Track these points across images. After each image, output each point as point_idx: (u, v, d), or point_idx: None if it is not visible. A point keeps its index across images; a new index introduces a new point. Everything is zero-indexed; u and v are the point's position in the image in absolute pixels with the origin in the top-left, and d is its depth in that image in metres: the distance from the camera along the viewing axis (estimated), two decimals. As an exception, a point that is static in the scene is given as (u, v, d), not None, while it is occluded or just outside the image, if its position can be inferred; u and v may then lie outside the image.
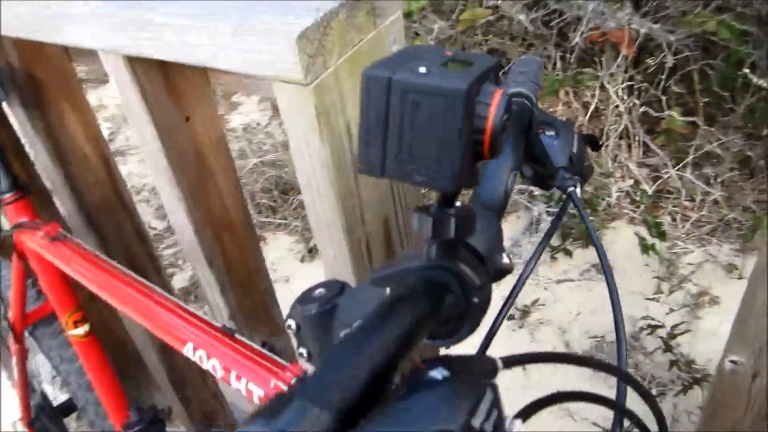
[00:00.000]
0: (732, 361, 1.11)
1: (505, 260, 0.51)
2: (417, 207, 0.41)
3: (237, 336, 0.67)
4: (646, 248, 1.95)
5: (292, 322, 0.48)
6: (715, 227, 2.07)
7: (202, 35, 0.59)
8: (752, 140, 2.08)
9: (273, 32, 0.54)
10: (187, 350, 0.65)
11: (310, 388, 0.27)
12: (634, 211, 2.32)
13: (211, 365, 0.63)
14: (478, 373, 0.32)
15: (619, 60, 2.01)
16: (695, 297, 1.92)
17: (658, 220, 2.02)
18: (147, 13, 0.62)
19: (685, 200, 2.21)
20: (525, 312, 2.04)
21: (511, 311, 2.04)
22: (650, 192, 2.27)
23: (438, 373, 0.31)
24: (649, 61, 1.97)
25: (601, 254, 0.53)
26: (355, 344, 0.31)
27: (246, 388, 0.61)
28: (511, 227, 2.45)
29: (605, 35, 1.96)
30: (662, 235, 1.94)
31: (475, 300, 0.42)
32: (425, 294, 0.38)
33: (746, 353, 1.07)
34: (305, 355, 0.49)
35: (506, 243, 2.35)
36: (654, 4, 1.95)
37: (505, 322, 1.99)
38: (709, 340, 1.78)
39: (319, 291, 0.48)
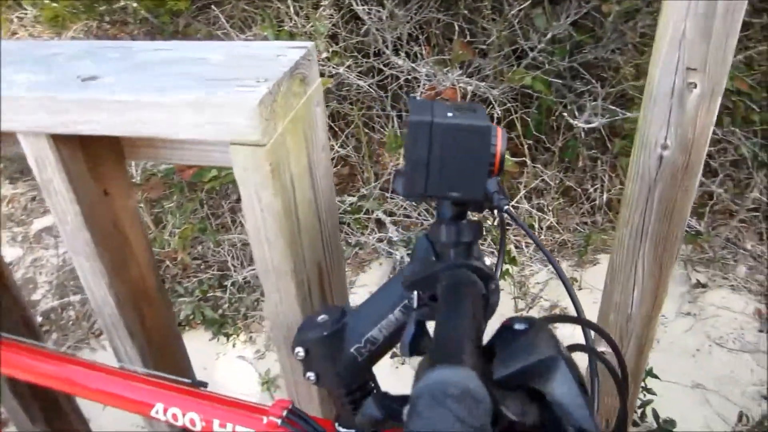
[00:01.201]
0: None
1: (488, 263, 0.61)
2: (440, 219, 0.51)
3: (208, 389, 0.70)
4: (501, 274, 2.18)
5: (300, 349, 0.55)
6: (553, 248, 2.38)
7: (160, 111, 0.65)
8: (569, 172, 2.46)
9: (232, 103, 0.62)
10: (156, 412, 0.67)
11: (443, 355, 0.35)
12: (482, 244, 2.59)
13: (189, 419, 0.65)
14: (540, 323, 0.43)
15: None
16: (548, 310, 2.19)
17: (506, 249, 2.28)
18: (98, 92, 0.66)
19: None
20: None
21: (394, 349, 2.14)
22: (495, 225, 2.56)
23: (521, 325, 0.42)
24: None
25: (553, 263, 0.64)
26: (453, 318, 0.40)
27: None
28: (374, 274, 2.58)
29: (439, 94, 2.22)
30: (513, 261, 2.19)
31: (492, 287, 0.52)
32: (472, 281, 0.49)
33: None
34: (313, 378, 0.56)
35: (372, 289, 2.48)
36: (476, 66, 2.26)
37: (389, 360, 2.11)
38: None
39: (322, 317, 0.56)
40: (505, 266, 2.25)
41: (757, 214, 2.37)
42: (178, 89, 0.64)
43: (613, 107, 2.12)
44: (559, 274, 0.59)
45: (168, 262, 2.44)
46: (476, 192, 0.48)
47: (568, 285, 0.57)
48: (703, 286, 2.22)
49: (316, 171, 0.78)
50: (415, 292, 0.53)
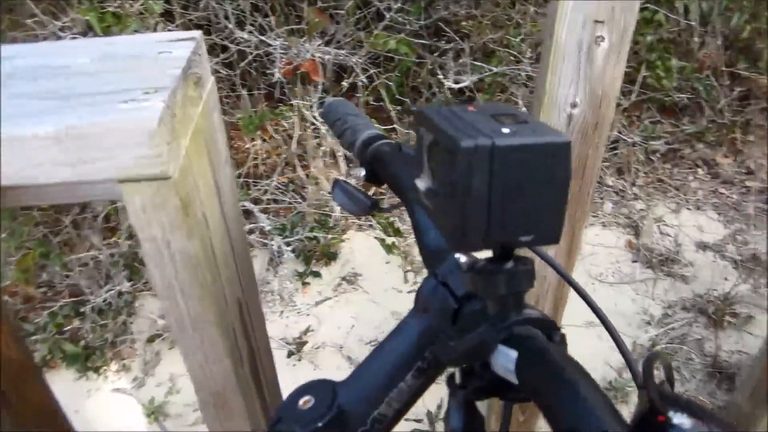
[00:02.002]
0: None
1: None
2: (478, 262, 0.40)
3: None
4: (389, 248, 2.12)
5: None
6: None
7: (9, 150, 0.45)
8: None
9: (119, 129, 0.45)
10: None
11: None
12: (358, 219, 2.51)
13: None
14: None
15: (317, 88, 2.13)
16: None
17: (391, 220, 2.21)
18: None
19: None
20: (299, 344, 2.04)
21: (287, 346, 2.02)
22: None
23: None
24: (344, 83, 2.13)
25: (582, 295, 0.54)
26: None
27: None
28: (253, 268, 2.41)
29: (297, 68, 2.06)
30: (398, 233, 2.13)
31: (558, 338, 0.42)
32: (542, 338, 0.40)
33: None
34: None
35: (257, 284, 2.31)
36: (331, 34, 2.12)
37: (285, 360, 1.98)
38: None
39: (306, 399, 0.42)
40: (390, 239, 2.19)
41: (616, 151, 2.52)
42: (30, 118, 0.45)
43: (478, 63, 2.10)
44: (587, 301, 0.48)
45: (8, 298, 2.07)
46: (556, 232, 0.36)
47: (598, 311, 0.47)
48: (578, 227, 2.32)
49: (222, 191, 0.63)
50: (457, 369, 0.42)
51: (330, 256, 2.36)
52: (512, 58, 2.36)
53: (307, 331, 2.09)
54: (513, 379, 0.38)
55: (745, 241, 2.25)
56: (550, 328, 0.41)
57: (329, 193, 2.30)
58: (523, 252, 0.39)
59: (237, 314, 0.66)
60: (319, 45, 1.90)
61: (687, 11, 2.39)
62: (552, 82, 0.95)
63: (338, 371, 1.93)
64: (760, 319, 1.96)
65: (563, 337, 0.41)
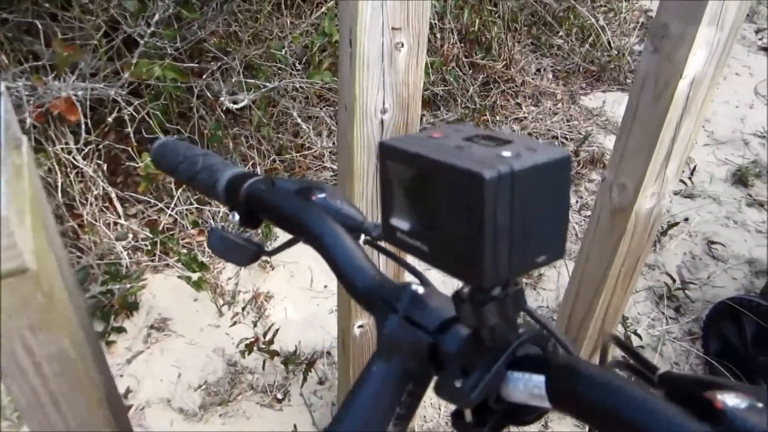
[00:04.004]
0: (360, 326, 1.31)
1: None
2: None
3: None
4: (196, 284, 1.99)
5: None
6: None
7: None
8: (223, 155, 2.34)
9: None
10: None
11: None
12: (152, 260, 2.32)
13: None
14: None
15: (81, 128, 1.91)
16: (253, 301, 2.11)
17: (193, 255, 2.08)
18: None
19: (191, 230, 2.34)
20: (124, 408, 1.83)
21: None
22: (159, 236, 2.30)
23: None
24: (109, 119, 1.94)
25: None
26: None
27: None
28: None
29: (49, 110, 1.82)
30: (203, 266, 2.02)
31: (551, 348, 0.42)
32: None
33: (365, 317, 1.29)
34: None
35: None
36: (80, 68, 1.91)
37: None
38: (289, 327, 2.01)
39: None
40: (196, 274, 2.06)
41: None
42: None
43: (251, 80, 2.06)
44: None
45: None
46: (562, 246, 0.36)
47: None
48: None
49: (62, 266, 0.53)
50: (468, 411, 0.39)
51: (130, 307, 2.14)
52: (279, 71, 2.37)
53: (126, 393, 1.88)
54: (540, 402, 0.38)
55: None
56: (544, 340, 0.41)
57: (208, 245, 2.09)
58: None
59: (107, 408, 0.56)
60: (72, 81, 1.70)
61: (428, 11, 2.63)
62: (360, 91, 0.98)
63: (173, 427, 1.77)
64: (549, 275, 2.25)
65: (555, 345, 0.42)
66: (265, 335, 1.94)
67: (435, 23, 2.68)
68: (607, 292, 1.44)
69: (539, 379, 0.37)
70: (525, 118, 2.96)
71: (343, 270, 0.49)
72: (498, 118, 2.96)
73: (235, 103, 1.94)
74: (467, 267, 0.35)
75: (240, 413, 1.82)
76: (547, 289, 2.20)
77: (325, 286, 2.21)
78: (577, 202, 2.61)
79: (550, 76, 3.21)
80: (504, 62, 2.98)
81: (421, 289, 0.44)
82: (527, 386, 0.38)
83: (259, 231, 2.28)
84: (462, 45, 2.91)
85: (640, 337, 1.97)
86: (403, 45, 0.96)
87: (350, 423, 0.43)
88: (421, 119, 2.82)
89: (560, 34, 3.35)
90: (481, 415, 0.41)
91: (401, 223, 0.38)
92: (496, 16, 2.89)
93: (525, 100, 3.05)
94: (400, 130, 1.05)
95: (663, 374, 0.38)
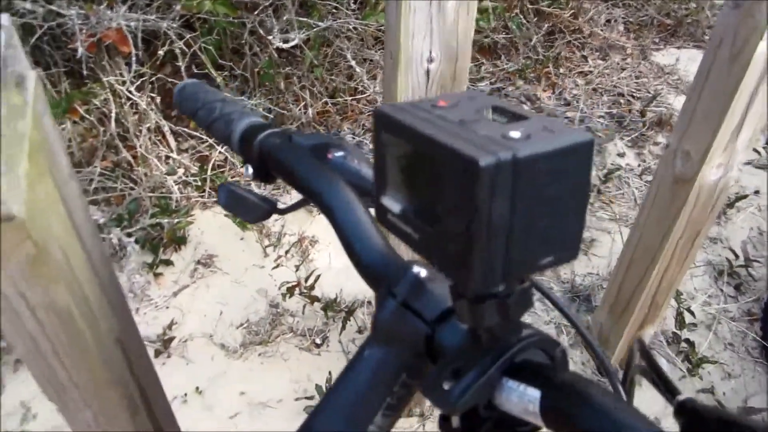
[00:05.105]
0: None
1: None
2: None
3: None
4: (242, 224, 2.01)
5: None
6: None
7: None
8: (271, 96, 2.31)
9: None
10: None
11: None
12: (201, 196, 2.34)
13: None
14: None
15: (131, 60, 1.91)
16: (298, 245, 2.12)
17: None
18: None
19: (241, 168, 2.34)
20: (166, 340, 1.89)
21: (152, 345, 1.86)
22: (209, 172, 2.32)
23: None
24: (160, 52, 1.93)
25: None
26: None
27: None
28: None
29: (101, 39, 1.82)
30: (290, 209, 2.02)
31: (560, 355, 0.38)
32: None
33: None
34: None
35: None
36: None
37: (153, 360, 1.82)
38: (332, 274, 2.01)
39: None
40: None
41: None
42: None
43: (303, 18, 2.00)
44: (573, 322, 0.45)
45: None
46: (576, 247, 0.31)
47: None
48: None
49: (75, 215, 0.51)
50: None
51: (179, 241, 2.18)
52: (333, 10, 2.29)
53: (171, 325, 1.93)
54: (532, 419, 0.33)
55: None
56: (551, 346, 0.37)
57: (218, 201, 2.11)
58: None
59: (121, 356, 0.55)
60: (123, 11, 1.68)
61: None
62: (406, 37, 0.92)
63: (213, 362, 1.82)
64: (602, 241, 2.16)
65: (564, 353, 0.37)
66: (306, 280, 1.94)
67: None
68: (662, 264, 1.36)
69: (534, 395, 0.33)
70: (590, 72, 2.80)
71: (350, 242, 0.45)
72: (561, 70, 2.81)
73: (285, 41, 1.89)
74: (455, 265, 0.30)
75: (278, 354, 1.85)
76: (599, 255, 2.11)
77: (370, 235, 2.20)
78: (639, 165, 2.48)
79: (621, 28, 3.01)
80: (572, 11, 2.81)
81: (424, 272, 0.39)
82: (521, 399, 0.34)
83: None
84: (529, -11, 2.75)
85: (693, 314, 1.87)
86: (453, -10, 0.89)
87: (337, 409, 0.41)
88: (479, 67, 2.71)
89: (637, -18, 3.12)
90: (471, 421, 0.37)
91: (393, 204, 0.33)
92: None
93: (592, 52, 2.88)
94: (447, 81, 0.99)
95: (683, 402, 0.33)
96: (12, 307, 0.40)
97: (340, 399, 0.41)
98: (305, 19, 2.03)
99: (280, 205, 0.57)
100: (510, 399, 0.34)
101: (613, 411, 0.29)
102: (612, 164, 2.44)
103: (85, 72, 2.12)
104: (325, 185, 0.47)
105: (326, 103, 2.48)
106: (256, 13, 2.07)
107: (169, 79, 2.26)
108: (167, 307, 2.01)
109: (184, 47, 1.98)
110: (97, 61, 2.08)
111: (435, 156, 0.29)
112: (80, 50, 1.65)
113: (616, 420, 0.29)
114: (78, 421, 0.51)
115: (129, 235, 2.12)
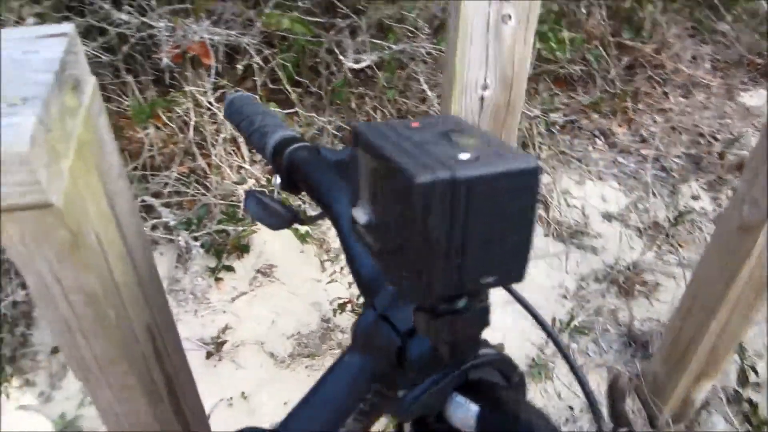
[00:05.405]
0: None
1: None
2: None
3: None
4: (302, 237, 2.06)
5: None
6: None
7: None
8: (342, 114, 2.38)
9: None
10: None
11: None
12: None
13: None
14: None
15: (210, 72, 2.02)
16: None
17: (303, 209, 2.15)
18: None
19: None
20: (219, 343, 1.95)
21: (205, 347, 1.93)
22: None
23: None
24: (239, 66, 2.03)
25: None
26: None
27: None
28: (158, 267, 2.27)
29: (186, 51, 1.93)
30: (311, 220, 2.07)
31: (517, 379, 0.39)
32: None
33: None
34: None
35: (163, 283, 2.19)
36: (219, 13, 2.00)
37: (204, 361, 1.88)
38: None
39: None
40: (303, 227, 2.12)
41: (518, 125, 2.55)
42: None
43: (377, 41, 2.05)
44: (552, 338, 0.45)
45: None
46: (521, 269, 0.32)
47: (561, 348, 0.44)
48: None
49: (119, 210, 0.55)
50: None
51: (242, 249, 2.26)
52: (409, 34, 2.33)
53: (225, 329, 2.00)
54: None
55: (645, 209, 2.36)
56: (508, 368, 0.37)
57: (244, 207, 2.20)
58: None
59: (149, 345, 0.58)
60: (207, 26, 1.78)
61: (573, -17, 2.46)
62: (461, 64, 0.93)
63: (261, 369, 1.86)
64: (666, 285, 2.07)
65: (522, 377, 0.38)
66: (358, 298, 1.96)
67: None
68: (722, 315, 1.29)
69: (474, 410, 0.35)
70: (671, 109, 2.71)
71: (351, 253, 0.47)
72: (640, 106, 2.73)
73: (357, 62, 1.94)
74: (399, 275, 0.32)
75: (325, 368, 1.88)
76: (662, 300, 2.02)
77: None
78: (714, 210, 2.36)
79: (708, 65, 2.90)
80: (655, 45, 2.73)
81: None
82: (465, 414, 0.35)
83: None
84: (610, 22, 2.69)
85: (756, 372, 1.75)
86: (510, 17, 0.89)
87: (314, 410, 0.43)
88: (553, 98, 2.67)
89: (727, 19, 3.00)
90: (421, 430, 0.39)
91: (361, 216, 0.34)
92: (654, -7, 2.64)
93: (674, 89, 2.78)
94: (501, 108, 0.99)
95: None
96: (47, 288, 0.44)
97: (317, 400, 0.43)
98: (380, 42, 2.08)
99: (305, 215, 0.59)
100: (456, 413, 0.35)
101: None
102: (685, 206, 2.34)
103: (169, 81, 2.25)
104: (335, 197, 0.49)
105: (396, 124, 2.51)
106: (333, 33, 2.14)
107: (247, 93, 2.36)
108: (224, 312, 2.08)
109: (262, 62, 2.07)
110: (182, 71, 2.20)
111: (388, 172, 0.31)
112: (165, 60, 1.76)
113: None
114: (99, 399, 0.55)
115: (196, 239, 2.21)
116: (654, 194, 2.39)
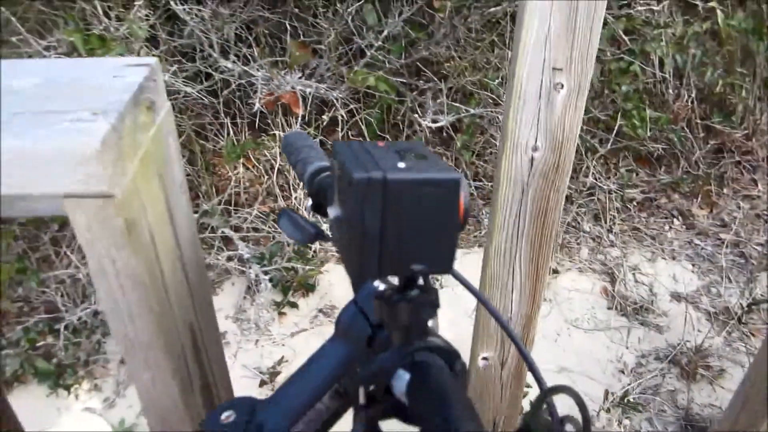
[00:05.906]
0: (484, 358, 1.30)
1: None
2: (384, 292, 0.41)
3: None
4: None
5: None
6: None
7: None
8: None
9: (63, 148, 0.46)
10: None
11: None
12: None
13: None
14: None
15: (297, 120, 2.17)
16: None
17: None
18: None
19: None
20: (273, 373, 2.02)
21: (260, 375, 2.01)
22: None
23: None
24: (325, 116, 2.17)
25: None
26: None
27: None
28: (228, 295, 2.40)
29: (278, 99, 2.10)
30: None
31: (459, 367, 0.44)
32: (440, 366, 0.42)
33: (491, 349, 1.27)
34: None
35: (231, 311, 2.31)
36: (313, 67, 2.17)
37: (257, 389, 1.96)
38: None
39: (227, 414, 0.44)
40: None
41: (592, 197, 2.55)
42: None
43: (455, 103, 2.15)
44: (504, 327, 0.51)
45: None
46: (446, 262, 0.38)
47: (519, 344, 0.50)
48: (555, 271, 2.33)
49: (176, 216, 0.64)
50: (362, 389, 0.43)
51: (308, 288, 2.36)
52: (490, 100, 2.42)
53: (281, 361, 2.08)
54: (403, 399, 0.40)
55: (718, 293, 2.27)
56: (451, 356, 0.42)
57: (277, 222, 2.31)
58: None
59: (189, 340, 0.66)
60: (300, 78, 1.94)
61: (662, 63, 2.46)
62: (514, 125, 0.98)
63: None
64: (732, 373, 1.97)
65: (464, 365, 0.43)
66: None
67: (670, 77, 2.50)
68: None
69: (406, 378, 0.40)
70: (758, 197, 2.61)
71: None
72: (725, 191, 2.65)
73: (434, 122, 2.04)
74: (346, 257, 0.39)
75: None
76: (726, 387, 1.91)
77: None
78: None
79: (802, 155, 2.78)
80: (746, 131, 2.66)
81: (382, 286, 0.46)
82: (400, 384, 0.41)
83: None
84: (700, 105, 2.67)
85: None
86: (562, 86, 0.95)
87: (296, 386, 0.50)
88: (631, 174, 2.65)
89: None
90: (373, 401, 0.44)
91: (333, 213, 0.42)
92: (747, 79, 2.59)
93: (764, 177, 2.69)
94: (550, 169, 1.03)
95: None
96: (103, 267, 0.53)
97: (300, 379, 0.50)
98: (458, 105, 2.17)
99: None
100: (396, 385, 0.41)
101: (453, 407, 0.34)
102: (761, 295, 2.22)
103: (261, 125, 2.43)
104: None
105: (469, 185, 2.57)
106: (416, 93, 2.26)
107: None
108: (283, 345, 2.16)
109: (347, 115, 2.21)
110: (273, 117, 2.38)
111: (344, 174, 0.38)
112: (257, 105, 1.93)
113: (451, 414, 0.33)
114: (138, 380, 0.62)
115: (266, 273, 2.34)
116: (729, 279, 2.29)
